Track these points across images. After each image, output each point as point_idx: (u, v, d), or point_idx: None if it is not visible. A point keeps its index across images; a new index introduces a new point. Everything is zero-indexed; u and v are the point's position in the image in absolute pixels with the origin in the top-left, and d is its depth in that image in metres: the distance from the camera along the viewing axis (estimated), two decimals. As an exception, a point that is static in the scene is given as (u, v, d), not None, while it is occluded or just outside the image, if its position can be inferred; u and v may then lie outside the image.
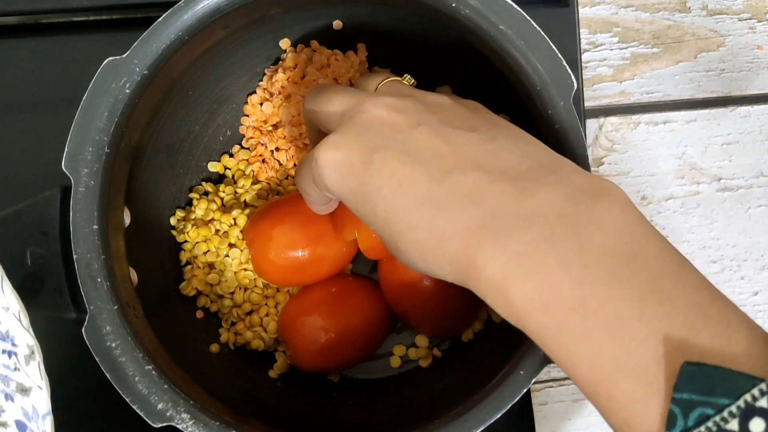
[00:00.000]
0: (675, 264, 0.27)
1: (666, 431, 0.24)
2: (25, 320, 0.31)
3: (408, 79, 0.37)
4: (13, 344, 0.31)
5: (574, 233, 0.27)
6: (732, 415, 0.23)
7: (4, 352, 0.31)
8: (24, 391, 0.31)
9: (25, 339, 0.31)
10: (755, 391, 0.23)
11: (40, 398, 0.31)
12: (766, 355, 0.25)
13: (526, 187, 0.28)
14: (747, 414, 0.23)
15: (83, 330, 0.34)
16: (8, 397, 0.31)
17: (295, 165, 0.45)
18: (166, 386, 0.34)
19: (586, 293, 0.26)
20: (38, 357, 0.31)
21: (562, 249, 0.26)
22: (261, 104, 0.45)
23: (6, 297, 0.31)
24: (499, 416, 0.34)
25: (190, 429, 0.34)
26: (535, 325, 0.27)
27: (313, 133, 0.39)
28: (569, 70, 0.35)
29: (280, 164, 0.46)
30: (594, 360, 0.26)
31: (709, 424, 0.23)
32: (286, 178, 0.46)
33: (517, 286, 0.27)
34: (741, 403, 0.23)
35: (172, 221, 0.44)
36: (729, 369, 0.24)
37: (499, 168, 0.29)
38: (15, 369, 0.31)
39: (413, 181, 0.29)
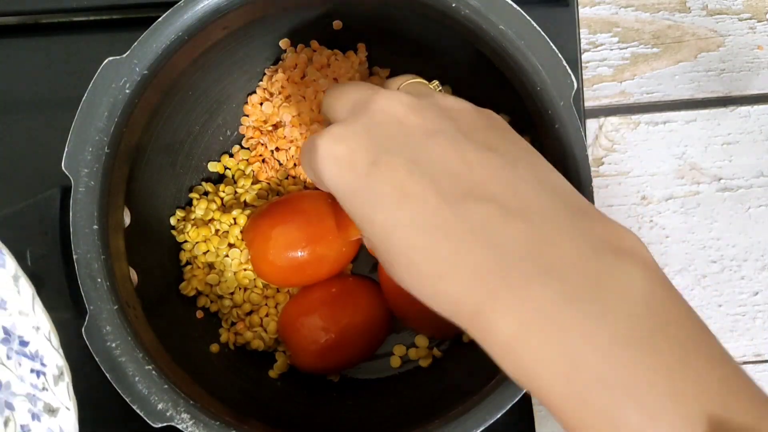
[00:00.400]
0: (701, 334, 0.25)
1: None
2: (56, 340, 0.30)
3: (436, 85, 0.34)
4: (42, 364, 0.31)
5: (598, 295, 0.24)
6: None
7: (33, 371, 0.31)
8: (51, 411, 0.31)
9: (55, 359, 0.31)
10: None
11: (68, 419, 0.31)
12: None
13: (547, 233, 0.25)
14: None
15: (83, 330, 0.34)
16: (35, 416, 0.31)
17: (295, 165, 0.45)
18: (166, 386, 0.34)
19: (614, 367, 0.23)
20: (67, 378, 0.31)
21: (586, 313, 0.24)
22: (261, 104, 0.45)
23: (36, 316, 0.31)
24: (499, 416, 0.34)
25: (190, 429, 0.34)
26: (553, 395, 0.24)
27: None
28: (569, 70, 0.35)
29: (280, 164, 0.46)
30: None
31: None
32: (286, 178, 0.46)
33: (535, 349, 0.24)
34: None
35: (172, 221, 0.44)
36: None
37: (518, 203, 0.26)
38: (43, 389, 0.31)
39: (420, 197, 0.27)
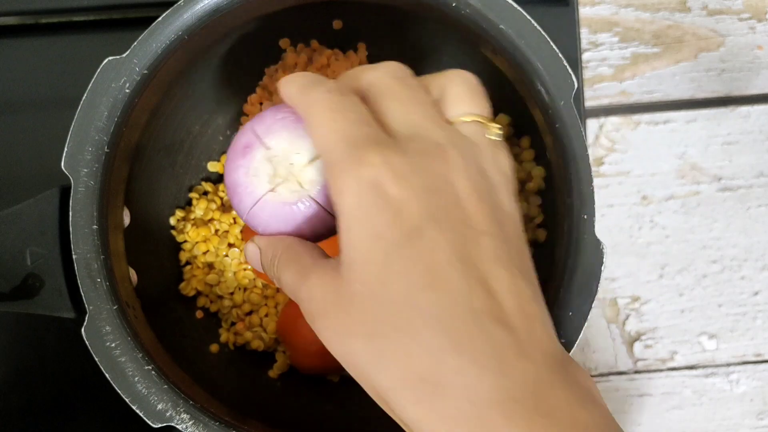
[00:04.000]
0: None
1: None
2: None
3: (496, 134, 0.29)
4: None
5: None
6: None
7: None
8: None
9: None
10: None
11: None
12: None
13: (544, 377, 0.24)
14: None
15: (83, 330, 0.34)
16: None
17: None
18: (166, 386, 0.34)
19: None
20: None
21: None
22: (261, 104, 0.45)
23: None
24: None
25: (190, 429, 0.34)
26: None
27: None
28: (569, 70, 0.35)
29: (280, 164, 0.46)
30: None
31: None
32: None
33: None
34: None
35: (172, 221, 0.44)
36: None
37: (529, 341, 0.25)
38: None
39: (452, 297, 0.24)
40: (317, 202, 0.31)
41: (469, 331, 0.24)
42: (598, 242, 0.34)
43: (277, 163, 0.31)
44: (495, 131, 0.29)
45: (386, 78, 0.28)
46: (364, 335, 0.25)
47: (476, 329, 0.24)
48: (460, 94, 0.29)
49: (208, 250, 0.43)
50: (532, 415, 0.23)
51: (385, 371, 0.25)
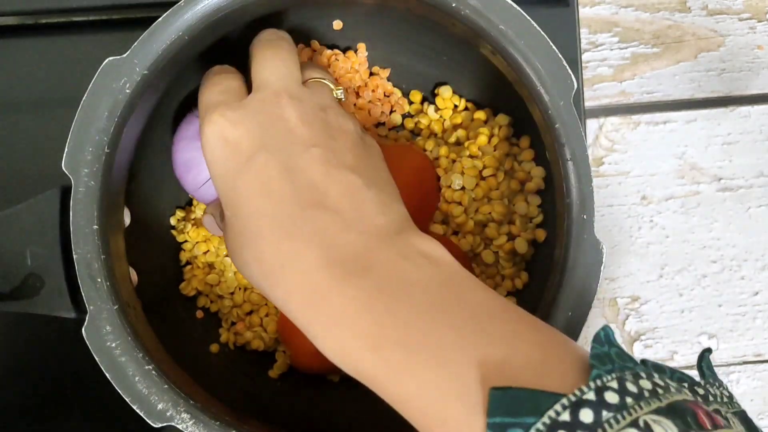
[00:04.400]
0: (495, 305, 0.29)
1: None
2: None
3: (340, 93, 0.37)
4: None
5: (402, 285, 0.29)
6: (538, 431, 0.24)
7: None
8: None
9: None
10: (557, 407, 0.24)
11: None
12: (575, 371, 0.26)
13: (371, 244, 0.31)
14: (552, 429, 0.24)
15: (83, 330, 0.34)
16: None
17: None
18: (166, 386, 0.34)
19: (410, 331, 0.28)
20: None
21: (391, 297, 0.29)
22: (261, 104, 0.45)
23: None
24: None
25: (190, 429, 0.34)
26: (366, 366, 0.29)
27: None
28: (569, 70, 0.35)
29: (280, 164, 0.45)
30: (422, 389, 0.27)
31: None
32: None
33: (349, 327, 0.29)
34: (546, 419, 0.24)
35: (172, 221, 0.44)
36: (533, 389, 0.25)
37: (357, 218, 0.31)
38: None
39: (279, 197, 0.31)
40: None
41: (295, 220, 0.31)
42: (597, 242, 0.34)
43: None
44: (339, 91, 0.37)
45: (260, 40, 0.37)
46: (235, 250, 0.33)
47: (301, 218, 0.31)
48: (311, 70, 0.37)
49: (208, 250, 0.43)
50: (352, 271, 0.29)
51: (251, 269, 0.32)
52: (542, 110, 0.35)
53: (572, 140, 0.35)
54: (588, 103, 0.50)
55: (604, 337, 0.27)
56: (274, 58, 0.35)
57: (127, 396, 0.34)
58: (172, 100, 0.42)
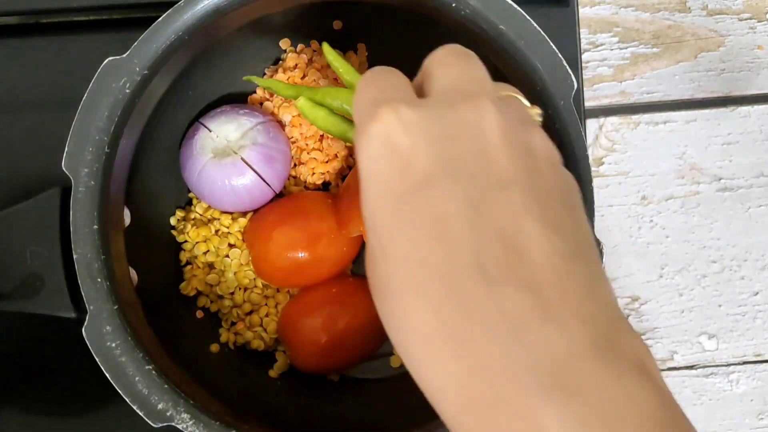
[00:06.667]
0: None
1: None
2: None
3: (537, 115, 0.28)
4: None
5: (613, 417, 0.21)
6: None
7: None
8: None
9: None
10: None
11: None
12: None
13: (577, 348, 0.21)
14: None
15: (83, 330, 0.34)
16: None
17: (295, 165, 0.45)
18: (166, 386, 0.34)
19: None
20: None
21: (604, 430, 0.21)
22: (261, 104, 0.45)
23: None
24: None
25: (190, 429, 0.34)
26: None
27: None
28: (569, 70, 0.35)
29: (280, 164, 0.46)
30: None
31: None
32: (287, 179, 0.46)
33: None
34: None
35: (172, 221, 0.44)
36: None
37: (560, 304, 0.22)
38: None
39: (458, 248, 0.22)
40: (247, 163, 0.41)
41: (476, 291, 0.22)
42: (597, 242, 0.34)
43: (218, 140, 0.41)
44: (535, 112, 0.28)
45: (444, 51, 0.28)
46: (379, 292, 0.24)
47: (484, 288, 0.22)
48: (500, 84, 0.28)
49: (208, 250, 0.43)
50: (551, 391, 0.21)
51: (396, 324, 0.23)
52: (542, 110, 0.35)
53: (572, 140, 0.35)
54: (588, 103, 0.50)
55: None
56: (459, 63, 0.27)
57: (127, 396, 0.34)
58: (172, 100, 0.42)
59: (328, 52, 0.37)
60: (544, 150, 0.25)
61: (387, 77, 0.27)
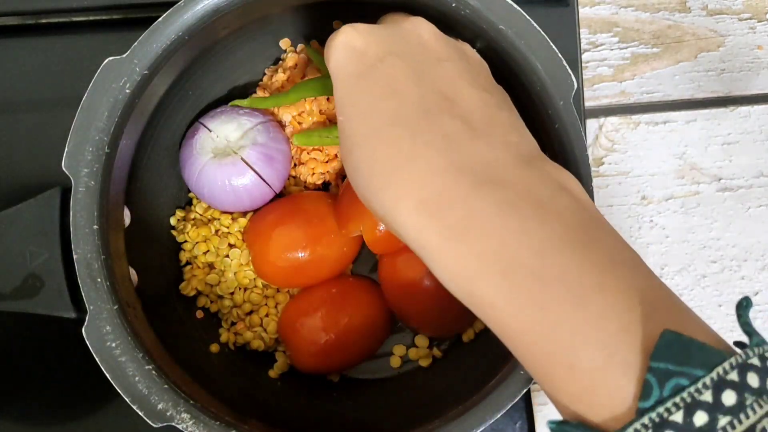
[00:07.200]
0: (631, 254, 0.27)
1: (640, 401, 0.23)
2: None
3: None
4: None
5: (537, 208, 0.26)
6: (706, 386, 0.23)
7: None
8: None
9: None
10: (726, 365, 0.23)
11: None
12: (721, 338, 0.25)
13: (503, 158, 0.28)
14: (719, 386, 0.23)
15: (83, 330, 0.34)
16: None
17: (295, 165, 0.45)
18: (166, 386, 0.34)
19: (546, 262, 0.25)
20: None
21: (525, 218, 0.26)
22: (261, 104, 0.45)
23: None
24: (499, 416, 0.34)
25: (190, 429, 0.34)
26: (486, 290, 0.26)
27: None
28: (569, 70, 0.35)
29: (280, 164, 0.45)
30: (554, 329, 0.25)
31: (684, 394, 0.23)
32: (287, 179, 0.46)
33: (473, 241, 0.26)
34: (714, 375, 0.23)
35: (172, 221, 0.44)
36: (703, 342, 0.24)
37: (487, 130, 0.29)
38: None
39: (405, 97, 0.29)
40: (247, 163, 0.41)
41: (420, 122, 0.28)
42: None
43: (218, 140, 0.41)
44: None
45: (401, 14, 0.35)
46: (344, 156, 0.30)
47: (426, 120, 0.28)
48: None
49: (208, 250, 0.43)
50: (482, 180, 0.27)
51: (360, 172, 0.29)
52: (542, 110, 0.36)
53: (572, 140, 0.35)
54: (588, 103, 0.50)
55: (747, 305, 0.26)
56: (406, 14, 0.34)
57: (127, 396, 0.34)
58: (172, 100, 0.42)
59: (314, 51, 0.38)
60: (473, 55, 0.33)
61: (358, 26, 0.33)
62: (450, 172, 0.27)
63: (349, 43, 0.31)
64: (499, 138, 0.29)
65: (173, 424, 0.34)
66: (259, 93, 0.45)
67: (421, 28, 0.32)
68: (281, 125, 0.44)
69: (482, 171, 0.27)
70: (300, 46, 0.45)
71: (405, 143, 0.28)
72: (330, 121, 0.44)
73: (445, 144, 0.28)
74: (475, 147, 0.28)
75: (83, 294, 0.34)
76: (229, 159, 0.41)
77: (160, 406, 0.34)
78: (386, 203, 0.27)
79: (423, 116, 0.28)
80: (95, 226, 0.34)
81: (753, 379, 0.23)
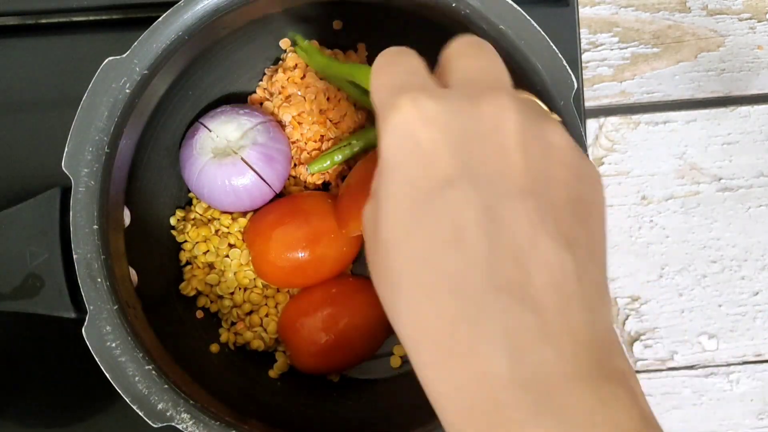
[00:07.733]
0: None
1: None
2: None
3: (555, 118, 0.28)
4: None
5: None
6: None
7: None
8: None
9: None
10: None
11: None
12: None
13: (568, 371, 0.22)
14: None
15: (83, 330, 0.34)
16: None
17: (295, 165, 0.45)
18: (166, 386, 0.34)
19: None
20: None
21: None
22: (261, 104, 0.45)
23: None
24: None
25: (190, 429, 0.34)
26: None
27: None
28: (569, 70, 0.35)
29: (280, 164, 0.46)
30: None
31: None
32: (287, 179, 0.46)
33: None
34: None
35: (172, 221, 0.44)
36: None
37: (558, 326, 0.23)
38: None
39: (472, 259, 0.23)
40: (247, 163, 0.41)
41: (485, 305, 0.22)
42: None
43: (218, 140, 0.41)
44: (555, 115, 0.28)
45: (462, 41, 0.28)
46: (387, 283, 0.24)
47: (492, 304, 0.22)
48: (524, 91, 0.29)
49: (208, 250, 0.43)
50: (542, 405, 0.22)
51: (404, 323, 0.24)
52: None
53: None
54: (588, 103, 0.50)
55: None
56: (478, 55, 0.27)
57: (127, 396, 0.34)
58: (172, 100, 0.42)
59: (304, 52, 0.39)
60: (562, 148, 0.25)
61: (403, 60, 0.27)
62: (510, 389, 0.22)
63: (412, 133, 0.24)
64: (572, 338, 0.23)
65: (173, 424, 0.34)
66: (259, 93, 0.45)
67: (505, 117, 0.24)
68: (281, 125, 0.44)
69: (545, 391, 0.22)
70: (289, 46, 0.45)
71: (462, 328, 0.22)
72: (330, 121, 0.44)
73: (507, 344, 0.22)
74: (542, 353, 0.22)
75: (83, 294, 0.34)
76: (229, 159, 0.41)
77: (160, 406, 0.34)
78: (428, 384, 0.23)
79: (490, 291, 0.22)
80: (95, 226, 0.34)
81: None
